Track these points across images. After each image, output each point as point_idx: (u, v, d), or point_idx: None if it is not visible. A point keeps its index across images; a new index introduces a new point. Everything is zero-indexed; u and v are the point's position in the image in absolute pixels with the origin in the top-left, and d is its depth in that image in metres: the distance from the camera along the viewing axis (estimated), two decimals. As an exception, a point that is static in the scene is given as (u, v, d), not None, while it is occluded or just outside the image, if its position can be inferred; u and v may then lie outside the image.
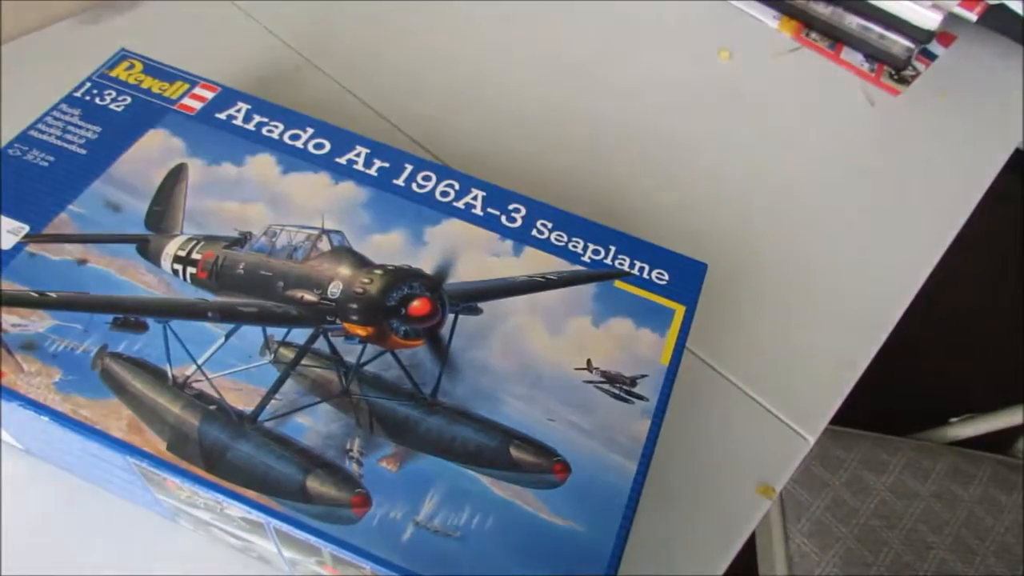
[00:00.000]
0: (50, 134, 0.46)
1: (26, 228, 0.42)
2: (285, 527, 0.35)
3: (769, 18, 0.78)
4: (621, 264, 0.45)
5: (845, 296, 0.60)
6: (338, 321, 0.40)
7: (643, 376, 0.41)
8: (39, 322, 0.39)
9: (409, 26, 0.71)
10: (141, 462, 0.36)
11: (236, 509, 0.36)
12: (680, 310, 0.44)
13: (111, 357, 0.38)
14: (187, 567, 0.42)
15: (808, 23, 0.77)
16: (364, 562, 0.34)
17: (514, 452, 0.38)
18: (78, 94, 0.48)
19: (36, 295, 0.39)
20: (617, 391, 0.40)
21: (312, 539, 0.35)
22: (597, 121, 0.67)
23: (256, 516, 0.35)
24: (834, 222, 0.64)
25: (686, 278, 0.45)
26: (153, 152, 0.46)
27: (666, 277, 0.45)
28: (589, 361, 0.41)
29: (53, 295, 0.39)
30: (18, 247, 0.41)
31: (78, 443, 0.37)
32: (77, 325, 0.39)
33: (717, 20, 0.78)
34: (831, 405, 0.54)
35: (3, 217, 0.42)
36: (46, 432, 0.38)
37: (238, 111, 0.49)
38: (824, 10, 0.75)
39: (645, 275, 0.45)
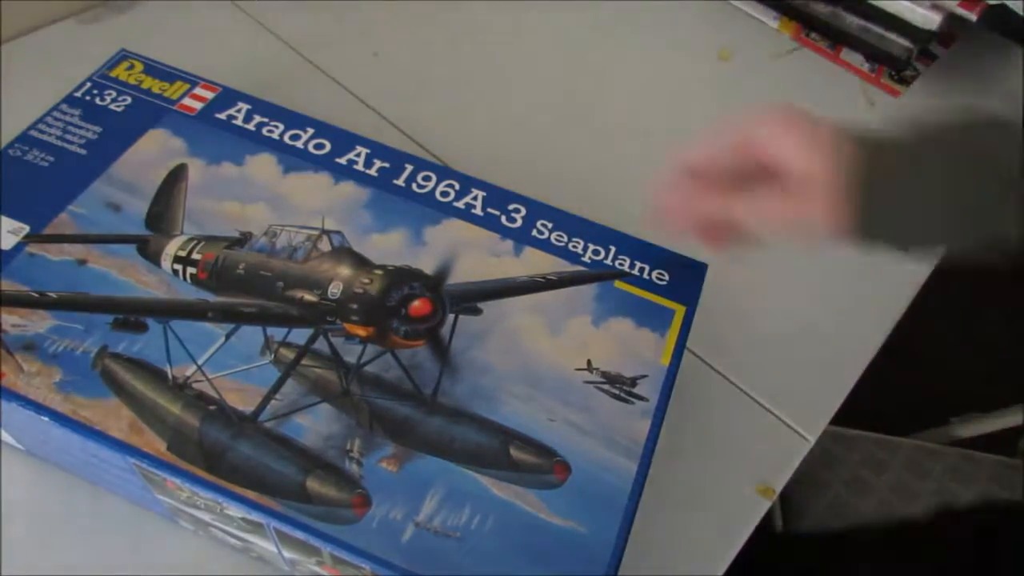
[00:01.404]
0: (50, 134, 0.46)
1: (26, 228, 0.42)
2: (285, 527, 0.35)
3: (769, 18, 0.78)
4: (621, 264, 0.45)
5: (845, 296, 0.60)
6: (338, 321, 0.40)
7: (643, 376, 0.41)
8: (39, 322, 0.39)
9: (409, 26, 0.71)
10: (141, 463, 0.36)
11: (236, 510, 0.36)
12: (680, 310, 0.44)
13: (111, 357, 0.38)
14: (187, 567, 0.42)
15: (808, 23, 0.77)
16: (364, 562, 0.34)
17: (514, 452, 0.38)
18: (78, 94, 0.48)
19: (36, 295, 0.39)
20: (617, 391, 0.40)
21: (312, 539, 0.35)
22: (597, 121, 0.67)
23: (256, 517, 0.35)
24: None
25: (686, 278, 0.45)
26: (153, 152, 0.46)
27: (666, 277, 0.45)
28: (589, 361, 0.41)
29: (53, 295, 0.39)
30: (18, 247, 0.41)
31: (78, 443, 0.37)
32: (77, 325, 0.39)
33: (717, 20, 0.78)
34: (831, 405, 0.54)
35: (3, 217, 0.42)
36: (46, 432, 0.38)
37: (238, 111, 0.49)
38: (824, 10, 0.75)
39: (645, 275, 0.45)
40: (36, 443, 0.42)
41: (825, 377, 0.55)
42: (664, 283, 0.45)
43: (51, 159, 0.45)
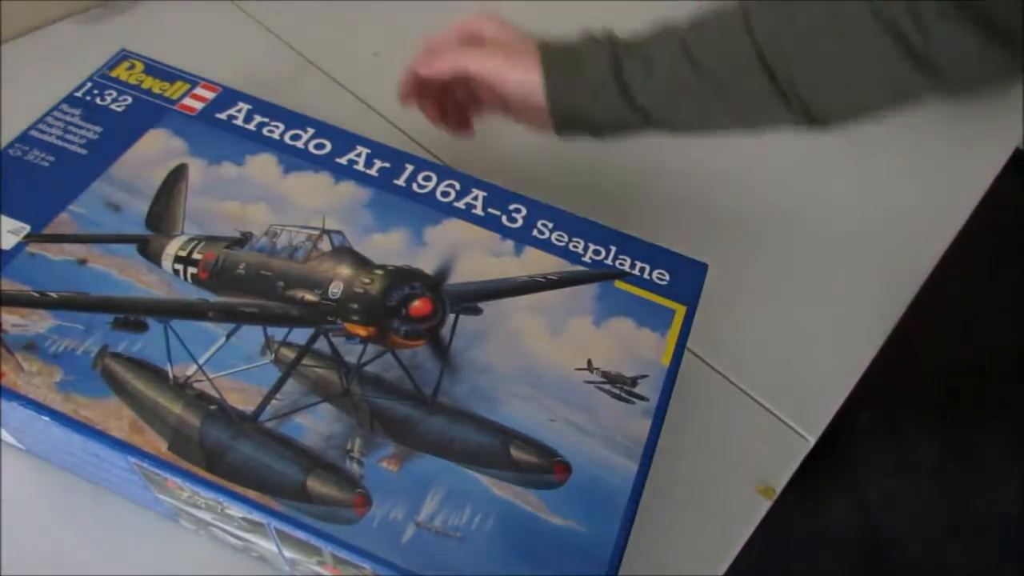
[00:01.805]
0: (51, 134, 0.46)
1: (27, 228, 0.42)
2: (286, 527, 0.35)
3: (769, 18, 0.78)
4: (622, 264, 0.45)
5: (845, 296, 0.60)
6: (339, 321, 0.40)
7: (644, 376, 0.41)
8: (40, 322, 0.39)
9: (409, 26, 0.71)
10: (142, 462, 0.36)
11: (237, 509, 0.36)
12: (681, 310, 0.44)
13: (112, 357, 0.38)
14: (187, 567, 0.42)
15: (808, 23, 0.77)
16: (365, 562, 0.34)
17: (514, 452, 0.38)
18: (79, 94, 0.48)
19: (36, 295, 0.39)
20: (618, 391, 0.40)
21: (313, 539, 0.35)
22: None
23: (257, 516, 0.35)
24: (834, 222, 0.64)
25: (686, 278, 0.45)
26: (153, 152, 0.46)
27: (667, 277, 0.45)
28: (590, 361, 0.41)
29: (53, 295, 0.39)
30: (19, 247, 0.41)
31: (79, 443, 0.37)
32: (78, 325, 0.39)
33: (717, 20, 0.77)
34: (831, 405, 0.54)
35: (4, 217, 0.42)
36: (46, 432, 0.38)
37: (239, 111, 0.49)
38: (824, 10, 0.75)
39: (646, 275, 0.45)
40: (36, 443, 0.42)
41: (825, 377, 0.55)
42: (664, 283, 0.45)
43: (51, 159, 0.45)
